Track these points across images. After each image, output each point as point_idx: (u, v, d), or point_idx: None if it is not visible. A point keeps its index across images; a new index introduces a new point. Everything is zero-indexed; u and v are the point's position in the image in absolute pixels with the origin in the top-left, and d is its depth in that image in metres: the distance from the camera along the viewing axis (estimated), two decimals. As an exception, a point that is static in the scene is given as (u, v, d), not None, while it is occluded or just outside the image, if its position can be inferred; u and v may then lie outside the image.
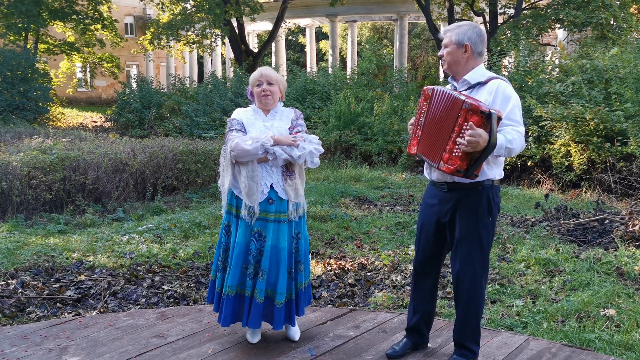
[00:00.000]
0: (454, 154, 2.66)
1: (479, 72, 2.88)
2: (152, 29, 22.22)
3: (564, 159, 8.89)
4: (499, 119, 2.62)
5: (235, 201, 3.25)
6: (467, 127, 2.60)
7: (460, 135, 2.63)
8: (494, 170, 2.87)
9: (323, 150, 3.27)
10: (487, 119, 2.58)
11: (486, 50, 2.93)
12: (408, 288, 4.49)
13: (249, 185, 3.15)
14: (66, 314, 3.99)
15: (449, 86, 2.96)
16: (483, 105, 2.63)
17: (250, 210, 3.17)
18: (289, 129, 3.29)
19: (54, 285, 4.44)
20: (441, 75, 23.50)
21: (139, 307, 4.17)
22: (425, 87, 2.87)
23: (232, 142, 3.15)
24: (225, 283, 3.25)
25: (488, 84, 2.83)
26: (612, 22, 15.58)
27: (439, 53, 2.96)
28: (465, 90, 2.86)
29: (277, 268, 3.18)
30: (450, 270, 3.71)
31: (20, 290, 4.29)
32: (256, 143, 3.09)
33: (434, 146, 2.77)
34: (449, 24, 19.46)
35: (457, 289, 2.98)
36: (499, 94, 2.77)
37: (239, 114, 3.34)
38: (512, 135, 2.68)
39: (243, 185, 3.16)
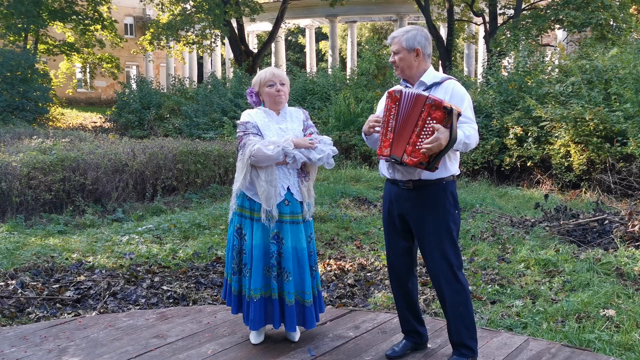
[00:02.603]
0: (417, 147, 2.76)
1: (432, 73, 3.01)
2: (151, 30, 22.22)
3: (563, 160, 8.89)
4: (459, 115, 2.75)
5: (249, 203, 3.22)
6: (430, 124, 2.71)
7: (424, 129, 2.74)
8: (455, 166, 3.00)
9: (337, 151, 3.29)
10: (449, 115, 2.69)
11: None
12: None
13: (267, 189, 3.13)
14: (66, 315, 3.99)
15: (398, 86, 3.03)
16: (445, 101, 2.74)
17: (269, 214, 3.15)
18: (302, 130, 3.29)
19: (54, 286, 4.44)
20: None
21: (138, 307, 4.17)
22: (391, 90, 2.90)
23: (253, 146, 3.10)
24: (247, 287, 3.23)
25: (443, 84, 2.96)
26: (611, 23, 15.58)
27: (390, 60, 3.04)
28: (423, 91, 2.93)
29: (300, 269, 3.20)
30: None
31: (19, 291, 4.29)
32: (277, 148, 3.09)
33: (402, 141, 2.83)
34: (449, 24, 19.53)
35: (439, 286, 2.98)
36: (455, 94, 2.92)
37: (251, 116, 3.27)
38: (469, 132, 2.84)
39: (262, 189, 3.14)
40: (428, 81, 2.96)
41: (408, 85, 3.02)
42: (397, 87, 2.95)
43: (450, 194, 2.96)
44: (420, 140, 2.75)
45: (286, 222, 3.19)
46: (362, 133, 3.09)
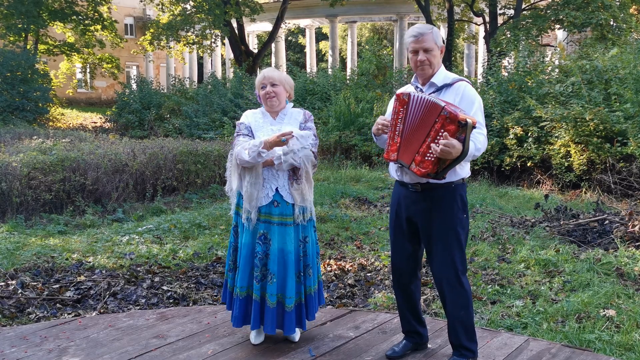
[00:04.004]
0: (426, 158, 2.69)
1: (443, 73, 2.91)
2: (152, 30, 22.23)
3: (563, 160, 8.88)
4: (473, 127, 2.63)
5: (242, 202, 3.25)
6: (442, 135, 2.61)
7: (436, 140, 2.64)
8: (465, 169, 2.94)
9: (313, 142, 3.21)
10: (463, 128, 2.59)
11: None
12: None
13: (250, 191, 3.16)
14: (66, 315, 3.99)
15: (409, 86, 2.98)
16: (460, 113, 2.62)
17: (248, 214, 3.18)
18: None
19: (54, 286, 4.44)
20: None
21: (138, 307, 4.17)
22: (399, 92, 2.82)
23: (236, 149, 3.18)
24: (235, 284, 3.27)
25: (454, 86, 2.87)
26: (611, 23, 15.58)
27: (420, 58, 2.84)
28: (433, 92, 2.86)
29: (285, 272, 3.18)
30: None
31: (20, 291, 4.29)
32: (252, 153, 3.08)
33: (410, 148, 2.78)
34: (449, 24, 19.50)
35: (442, 288, 2.98)
36: (465, 96, 2.83)
37: (247, 117, 3.32)
38: (479, 141, 2.74)
39: (245, 189, 3.18)
40: (439, 82, 2.88)
41: (419, 86, 2.94)
42: (406, 89, 2.88)
43: (459, 197, 2.91)
44: (430, 151, 2.67)
45: (274, 223, 3.19)
46: (372, 133, 3.04)
